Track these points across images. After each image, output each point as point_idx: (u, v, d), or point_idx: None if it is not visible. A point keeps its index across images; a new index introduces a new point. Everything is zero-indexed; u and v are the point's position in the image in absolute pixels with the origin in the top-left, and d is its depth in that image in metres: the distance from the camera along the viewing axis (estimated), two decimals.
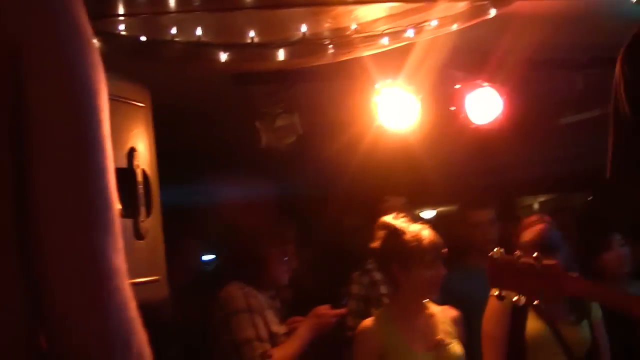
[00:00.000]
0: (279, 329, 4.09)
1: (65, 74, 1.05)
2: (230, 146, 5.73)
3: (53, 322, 1.02)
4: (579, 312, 4.06)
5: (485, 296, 4.18)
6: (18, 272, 1.05)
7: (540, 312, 3.95)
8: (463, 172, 6.59)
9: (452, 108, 4.65)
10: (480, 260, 4.89)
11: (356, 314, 4.65)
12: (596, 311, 4.14)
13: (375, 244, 3.95)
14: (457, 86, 4.66)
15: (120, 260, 1.07)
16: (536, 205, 12.94)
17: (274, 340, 4.00)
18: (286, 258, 4.26)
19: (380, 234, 3.94)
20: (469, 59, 4.70)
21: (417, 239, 3.82)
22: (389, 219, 3.96)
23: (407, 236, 3.84)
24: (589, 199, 12.33)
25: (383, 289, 4.63)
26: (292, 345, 4.04)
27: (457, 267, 5.04)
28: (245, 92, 4.52)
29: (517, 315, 4.01)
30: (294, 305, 4.78)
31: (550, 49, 4.76)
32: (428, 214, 12.34)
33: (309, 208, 6.25)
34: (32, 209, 1.03)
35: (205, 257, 8.74)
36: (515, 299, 2.59)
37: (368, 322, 3.90)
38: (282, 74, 4.44)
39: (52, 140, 1.04)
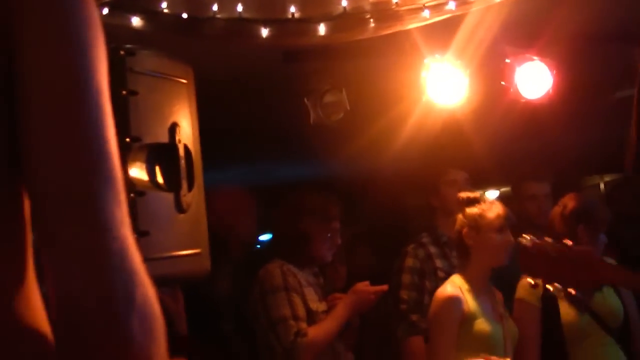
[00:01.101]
0: (318, 306, 4.10)
1: (58, 27, 1.05)
2: (279, 124, 5.75)
3: (51, 271, 1.01)
4: None
5: None
6: (14, 221, 1.07)
7: (571, 299, 3.95)
8: (515, 149, 6.52)
9: (502, 83, 4.60)
10: (535, 236, 4.87)
11: (411, 287, 4.65)
12: None
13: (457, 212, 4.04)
14: (507, 60, 4.60)
15: (121, 213, 1.06)
16: (602, 185, 12.76)
17: (313, 318, 4.02)
18: (329, 235, 4.26)
19: (460, 203, 4.06)
20: (520, 33, 4.63)
21: (488, 207, 3.99)
22: (465, 194, 4.12)
23: (480, 203, 4.01)
24: None
25: (438, 263, 4.65)
26: (328, 324, 4.05)
27: None
28: (292, 69, 4.54)
29: (548, 311, 4.03)
30: (349, 283, 4.78)
31: (604, 22, 4.68)
32: (491, 194, 12.31)
33: (359, 186, 6.26)
34: (27, 158, 1.03)
35: (262, 237, 8.82)
36: (550, 288, 2.49)
37: (449, 289, 3.91)
38: (330, 50, 4.44)
39: (45, 87, 1.03)
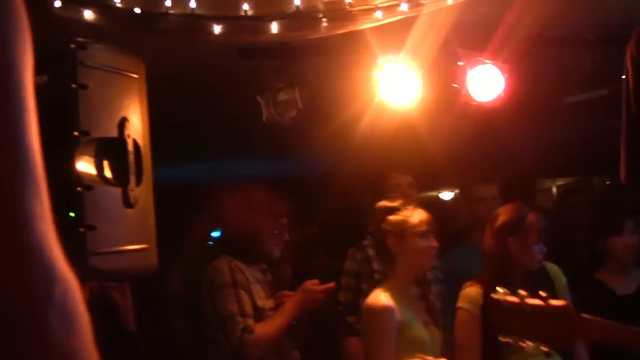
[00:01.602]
0: (265, 303, 4.10)
1: None
2: (233, 121, 5.75)
3: None
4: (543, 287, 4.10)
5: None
6: None
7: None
8: (467, 151, 6.59)
9: (454, 85, 4.65)
10: (482, 237, 4.94)
11: (347, 289, 4.71)
12: (559, 281, 4.21)
13: (372, 224, 4.06)
14: (460, 63, 4.65)
15: (41, 208, 1.05)
16: (554, 189, 12.92)
17: (260, 315, 4.02)
18: (277, 231, 4.27)
19: (377, 213, 4.05)
20: (472, 35, 4.68)
21: (411, 212, 4.01)
22: (385, 203, 4.14)
23: (402, 211, 4.01)
24: (607, 183, 12.34)
25: (375, 265, 4.67)
26: (276, 321, 4.05)
27: (460, 243, 5.11)
28: (247, 67, 4.55)
29: (488, 320, 4.05)
30: (294, 283, 4.81)
31: (557, 26, 4.74)
32: (447, 195, 12.42)
33: (313, 185, 6.28)
34: None
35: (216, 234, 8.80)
36: (524, 345, 2.37)
37: (383, 298, 3.89)
38: (286, 49, 4.46)
39: None
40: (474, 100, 4.61)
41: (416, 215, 3.99)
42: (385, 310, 3.85)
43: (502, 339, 2.42)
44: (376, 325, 3.89)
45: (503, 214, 4.19)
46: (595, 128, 7.45)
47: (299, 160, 7.06)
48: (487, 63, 4.59)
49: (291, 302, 4.13)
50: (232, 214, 4.33)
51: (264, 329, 3.97)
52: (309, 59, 4.57)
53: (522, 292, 2.31)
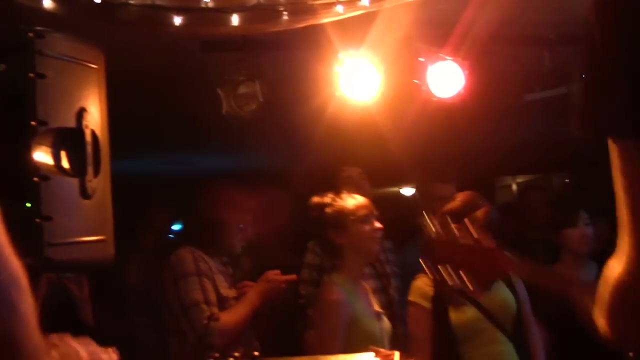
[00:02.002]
0: (228, 292, 4.12)
1: None
2: (193, 114, 5.73)
3: None
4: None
5: None
6: None
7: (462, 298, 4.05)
8: (426, 147, 6.61)
9: (415, 81, 4.67)
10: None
11: (309, 282, 4.71)
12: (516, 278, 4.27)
13: (310, 222, 4.07)
14: (421, 59, 4.67)
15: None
16: (514, 186, 13.02)
17: (224, 303, 4.04)
18: (242, 226, 4.28)
19: (312, 211, 4.06)
20: (433, 31, 4.71)
21: (346, 201, 4.05)
22: (316, 199, 4.18)
23: (336, 201, 4.05)
24: (566, 180, 12.48)
25: None
26: (240, 309, 4.07)
27: (415, 240, 5.13)
28: (208, 59, 4.53)
29: (438, 311, 4.09)
30: (253, 275, 4.81)
31: (517, 25, 4.78)
32: (408, 191, 12.45)
33: (274, 178, 6.26)
34: None
35: (175, 227, 8.76)
36: (450, 282, 2.36)
37: (333, 292, 3.93)
38: (247, 42, 4.45)
39: None
40: (434, 96, 4.64)
41: (351, 201, 3.99)
42: (335, 304, 3.88)
43: (427, 274, 2.46)
44: (326, 319, 3.93)
45: (455, 200, 4.24)
46: (555, 126, 7.53)
47: (258, 154, 7.03)
48: (447, 59, 4.62)
49: (254, 291, 4.16)
50: (200, 206, 4.33)
51: (229, 318, 3.99)
52: (270, 52, 4.56)
53: (457, 233, 2.39)
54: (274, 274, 4.25)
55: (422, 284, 4.16)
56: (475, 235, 2.36)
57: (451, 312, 4.07)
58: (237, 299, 4.16)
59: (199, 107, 5.20)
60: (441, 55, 4.61)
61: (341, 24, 4.06)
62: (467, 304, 4.06)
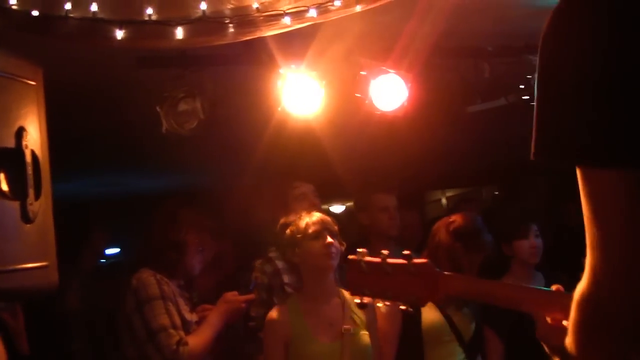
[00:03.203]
0: (191, 316, 4.03)
1: None
2: (133, 132, 5.57)
3: None
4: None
5: None
6: None
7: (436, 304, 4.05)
8: (368, 160, 6.58)
9: (357, 95, 4.61)
10: (384, 246, 4.91)
11: (259, 303, 4.56)
12: None
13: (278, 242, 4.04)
14: (363, 72, 4.62)
15: None
16: (444, 200, 13.11)
17: (187, 327, 3.94)
18: (201, 248, 4.19)
19: (280, 230, 4.06)
20: (375, 45, 4.67)
21: (301, 218, 4.03)
22: (285, 219, 4.16)
23: (294, 220, 4.05)
24: (495, 193, 12.62)
25: (286, 278, 4.56)
26: (205, 332, 3.99)
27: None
28: (146, 75, 4.40)
29: (408, 314, 4.07)
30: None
31: (456, 37, 4.77)
32: (337, 208, 12.41)
33: (217, 197, 6.14)
34: None
35: (109, 251, 8.58)
36: (380, 305, 2.24)
37: (274, 312, 3.92)
38: (185, 57, 4.34)
39: None
40: (378, 110, 4.59)
41: (303, 220, 3.99)
42: (267, 325, 3.90)
43: (357, 300, 2.27)
44: (265, 339, 3.96)
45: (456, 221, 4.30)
46: (485, 138, 7.59)
47: (199, 173, 6.90)
48: (390, 72, 4.57)
49: (216, 313, 4.10)
50: (159, 227, 4.19)
51: (196, 341, 3.91)
52: (210, 68, 4.45)
53: (385, 252, 2.18)
54: (232, 295, 4.20)
55: None
56: (406, 256, 2.16)
57: (424, 314, 4.08)
58: (198, 322, 4.08)
59: (136, 126, 5.06)
60: (384, 68, 4.56)
61: (282, 39, 3.99)
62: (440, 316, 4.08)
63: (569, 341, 1.54)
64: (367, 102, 4.56)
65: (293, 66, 4.42)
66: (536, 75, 1.37)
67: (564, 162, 1.33)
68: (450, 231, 4.33)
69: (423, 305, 2.16)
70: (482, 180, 11.59)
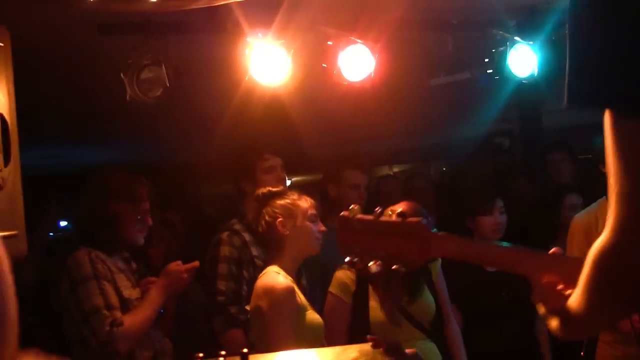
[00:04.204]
0: (132, 293, 3.86)
1: None
2: (96, 99, 5.42)
3: None
4: (418, 284, 4.16)
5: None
6: None
7: (382, 298, 4.00)
8: (338, 134, 6.54)
9: (324, 65, 4.56)
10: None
11: (228, 277, 4.46)
12: (434, 267, 4.32)
13: (259, 205, 3.89)
14: (329, 42, 4.56)
15: None
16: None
17: (127, 305, 3.77)
18: (139, 217, 4.02)
19: (261, 199, 3.90)
20: (340, 16, 4.62)
21: (300, 197, 3.90)
22: (265, 190, 3.96)
23: (290, 195, 3.90)
24: (443, 169, 12.72)
25: (254, 251, 4.49)
26: (144, 310, 3.81)
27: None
28: (110, 42, 4.28)
29: (358, 306, 4.04)
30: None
31: (421, 9, 4.73)
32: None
33: (179, 168, 6.05)
34: None
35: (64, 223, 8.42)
36: (371, 264, 2.13)
37: (283, 280, 3.68)
38: (149, 24, 4.23)
39: None
40: (345, 80, 4.54)
41: (304, 200, 3.90)
42: (287, 291, 3.64)
43: (347, 259, 2.16)
44: (278, 307, 3.64)
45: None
46: (441, 114, 7.61)
47: (162, 144, 6.77)
48: (358, 43, 4.53)
49: (156, 289, 3.90)
50: (89, 201, 4.02)
51: (132, 320, 3.72)
52: (174, 36, 4.35)
53: (377, 210, 2.09)
54: (175, 265, 3.98)
55: (344, 277, 4.11)
56: (399, 211, 2.07)
57: (372, 308, 4.03)
58: (141, 299, 3.89)
59: (98, 95, 4.94)
60: (352, 38, 4.51)
61: (248, 7, 3.92)
62: (395, 311, 4.04)
63: (578, 300, 1.54)
64: (334, 72, 4.51)
65: (260, 35, 4.34)
66: (568, 21, 1.36)
67: (597, 106, 1.32)
68: None
69: (415, 266, 2.10)
70: (430, 156, 11.62)
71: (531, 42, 4.98)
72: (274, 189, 3.96)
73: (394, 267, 2.08)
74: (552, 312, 1.82)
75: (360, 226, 2.11)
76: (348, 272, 4.12)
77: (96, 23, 4.15)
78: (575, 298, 1.56)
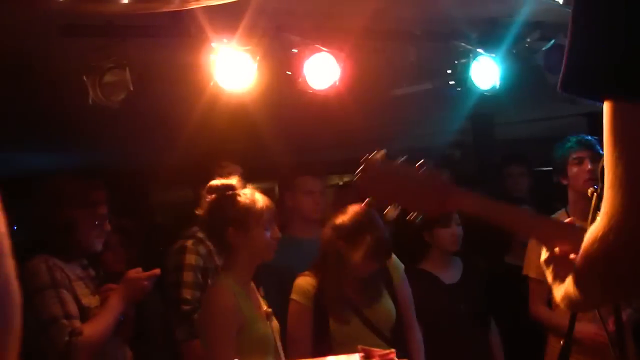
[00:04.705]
0: (90, 301, 3.77)
1: None
2: (50, 102, 5.30)
3: None
4: (376, 289, 4.14)
5: (306, 268, 4.17)
6: None
7: (343, 304, 4.00)
8: (300, 140, 6.50)
9: (288, 72, 4.53)
10: (304, 231, 4.83)
11: (194, 286, 4.39)
12: (397, 271, 4.33)
13: (206, 209, 3.76)
14: (294, 50, 4.53)
15: None
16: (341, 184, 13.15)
17: (86, 314, 3.68)
18: (96, 222, 3.92)
19: (212, 197, 3.75)
20: (304, 23, 4.59)
21: (253, 200, 3.70)
22: (218, 181, 3.79)
23: (242, 197, 3.70)
24: None
25: (218, 260, 4.42)
26: (103, 318, 3.73)
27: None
28: (72, 44, 4.18)
29: (318, 313, 4.01)
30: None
31: (385, 19, 4.73)
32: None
33: (138, 175, 5.93)
34: None
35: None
36: (389, 209, 2.17)
37: (220, 296, 3.62)
38: (112, 27, 4.14)
39: None
40: (310, 88, 4.52)
41: (259, 202, 3.69)
42: (225, 311, 3.57)
43: (367, 201, 2.21)
44: (216, 326, 3.59)
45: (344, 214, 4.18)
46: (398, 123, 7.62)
47: (123, 149, 6.65)
48: (323, 51, 4.50)
49: (116, 296, 3.81)
50: (43, 207, 3.90)
51: (92, 329, 3.64)
52: (138, 39, 4.27)
53: (404, 158, 2.17)
54: (135, 272, 3.90)
55: (305, 283, 4.10)
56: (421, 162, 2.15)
57: (331, 320, 4.00)
58: (99, 307, 3.82)
59: (58, 98, 4.82)
60: (317, 46, 4.48)
61: (212, 12, 3.87)
62: (350, 314, 4.02)
63: (572, 280, 1.56)
64: (300, 80, 4.48)
65: (225, 40, 4.29)
66: (571, 10, 1.34)
67: (594, 94, 1.32)
68: (333, 227, 4.20)
69: (431, 216, 2.13)
70: None
71: (493, 55, 5.01)
72: (225, 181, 3.80)
73: (410, 216, 2.16)
74: (556, 277, 1.82)
75: (385, 169, 2.16)
76: (308, 279, 4.11)
77: (56, 24, 4.05)
78: (572, 276, 1.58)
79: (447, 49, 5.14)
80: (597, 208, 2.02)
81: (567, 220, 2.01)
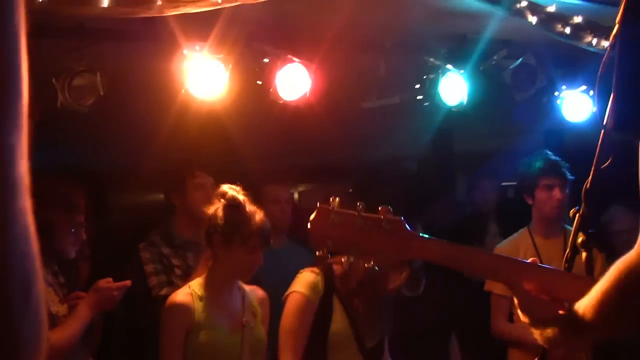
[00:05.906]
0: (59, 309, 3.72)
1: None
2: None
3: None
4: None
5: (279, 279, 4.09)
6: None
7: (345, 307, 3.93)
8: (268, 149, 6.48)
9: (259, 82, 4.53)
10: (275, 237, 4.82)
11: (157, 272, 4.44)
12: None
13: (210, 210, 3.75)
14: (265, 60, 4.54)
15: (25, 167, 0.79)
16: (296, 195, 13.14)
17: (54, 321, 3.61)
18: (73, 229, 3.88)
19: (219, 201, 3.77)
20: (277, 32, 4.61)
21: (247, 217, 3.70)
22: (233, 190, 3.79)
23: (242, 211, 3.72)
24: (349, 190, 12.74)
25: (175, 261, 4.49)
26: (70, 326, 3.67)
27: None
28: (42, 46, 4.14)
29: (323, 312, 3.92)
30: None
31: (355, 32, 4.75)
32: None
33: (110, 179, 5.86)
34: None
35: None
36: (344, 260, 2.09)
37: (177, 295, 3.69)
38: (84, 30, 4.12)
39: None
40: (280, 99, 4.52)
41: (252, 223, 3.68)
42: (169, 309, 3.66)
43: (318, 253, 2.07)
44: (163, 324, 3.68)
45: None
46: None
47: (92, 151, 6.57)
48: (294, 61, 4.51)
49: (84, 305, 3.75)
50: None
51: (58, 337, 3.57)
52: (110, 43, 4.25)
53: (360, 205, 2.03)
54: (105, 282, 3.84)
55: (313, 279, 3.90)
56: (381, 208, 2.04)
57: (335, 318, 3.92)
58: (68, 315, 3.76)
59: (30, 99, 4.76)
60: (289, 56, 4.49)
61: (184, 19, 3.86)
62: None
63: (594, 308, 1.60)
64: (271, 90, 4.48)
65: (197, 47, 4.28)
66: (616, 55, 1.44)
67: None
68: None
69: (391, 265, 2.07)
70: (334, 177, 11.63)
71: (462, 71, 5.05)
72: (236, 197, 3.77)
73: (367, 265, 2.03)
74: (540, 321, 1.84)
75: (338, 219, 2.04)
76: (315, 274, 3.92)
77: (28, 24, 4.02)
78: (589, 306, 1.61)
79: (415, 64, 5.18)
80: (579, 229, 2.05)
81: (531, 259, 2.03)
